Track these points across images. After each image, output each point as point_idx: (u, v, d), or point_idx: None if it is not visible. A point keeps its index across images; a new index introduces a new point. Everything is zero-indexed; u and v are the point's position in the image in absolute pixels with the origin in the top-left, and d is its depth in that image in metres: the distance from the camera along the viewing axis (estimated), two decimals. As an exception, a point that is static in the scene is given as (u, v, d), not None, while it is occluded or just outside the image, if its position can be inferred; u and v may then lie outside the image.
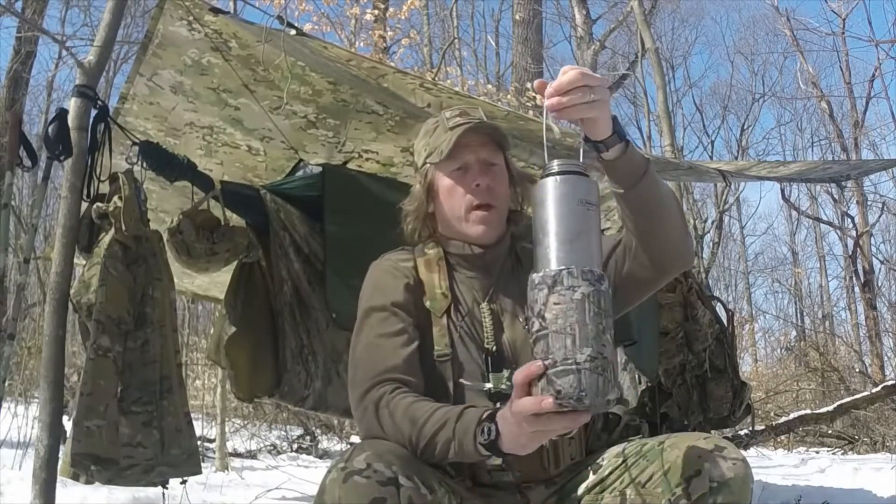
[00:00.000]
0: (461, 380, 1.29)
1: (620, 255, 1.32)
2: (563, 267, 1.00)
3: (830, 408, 6.33)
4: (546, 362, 0.98)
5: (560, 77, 1.09)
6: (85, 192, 2.21)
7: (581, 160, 1.09)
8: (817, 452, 7.24)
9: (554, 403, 0.97)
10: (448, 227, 1.43)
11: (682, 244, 1.30)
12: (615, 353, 1.01)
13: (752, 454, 6.36)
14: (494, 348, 1.32)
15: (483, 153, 1.40)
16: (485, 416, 1.13)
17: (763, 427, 6.20)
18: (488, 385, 1.28)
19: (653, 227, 1.26)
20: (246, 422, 7.78)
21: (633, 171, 1.20)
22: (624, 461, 1.26)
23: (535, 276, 1.02)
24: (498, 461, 1.28)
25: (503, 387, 1.28)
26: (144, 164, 2.39)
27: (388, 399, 1.23)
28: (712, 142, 17.57)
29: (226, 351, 2.67)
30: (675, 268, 1.33)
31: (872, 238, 13.89)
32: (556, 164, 1.05)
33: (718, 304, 4.01)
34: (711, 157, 16.78)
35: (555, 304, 0.98)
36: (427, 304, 1.36)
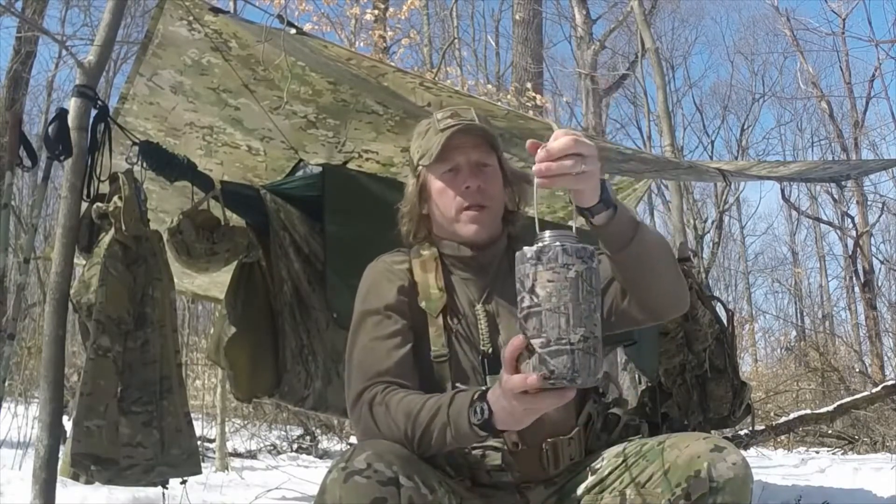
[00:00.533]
0: (458, 384, 1.30)
1: (619, 292, 1.32)
2: (557, 242, 0.99)
3: (830, 408, 6.33)
4: (538, 340, 0.98)
5: (552, 142, 1.07)
6: (85, 192, 2.21)
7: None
8: (817, 452, 7.23)
9: (539, 379, 0.97)
10: (441, 229, 1.43)
11: (674, 297, 1.32)
12: (601, 330, 1.02)
13: (752, 454, 6.36)
14: (490, 350, 1.33)
15: (474, 155, 1.39)
16: (476, 396, 1.14)
17: (763, 427, 6.19)
18: (485, 388, 1.28)
19: (643, 284, 1.27)
20: (246, 422, 7.77)
21: (621, 236, 1.20)
22: (624, 461, 1.26)
23: (528, 250, 1.01)
24: (497, 461, 1.29)
25: None
26: (144, 164, 2.39)
27: (381, 397, 1.24)
28: (712, 142, 17.59)
29: (225, 351, 2.67)
30: (668, 315, 1.35)
31: (872, 238, 13.91)
32: (547, 235, 1.02)
33: (718, 304, 4.00)
34: (711, 157, 16.79)
35: (549, 281, 0.98)
36: (422, 304, 1.36)
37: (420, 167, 1.42)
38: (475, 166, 1.39)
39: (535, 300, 0.98)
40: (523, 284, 1.00)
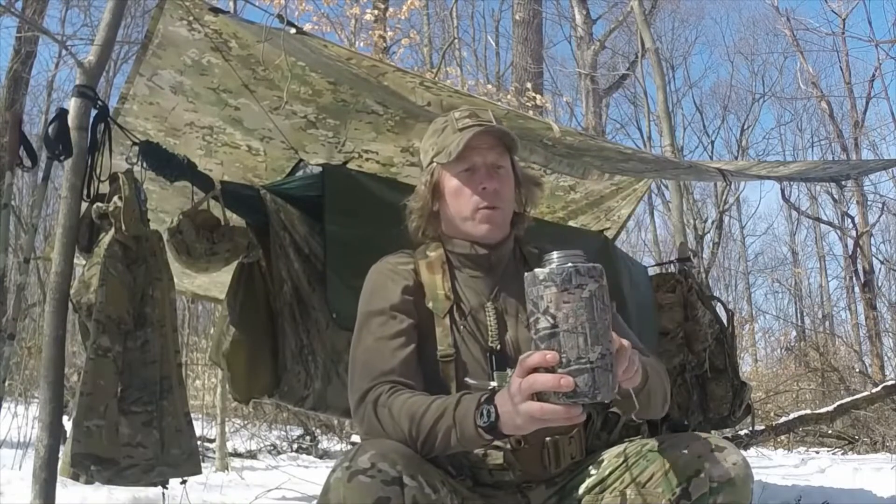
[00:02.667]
0: (466, 379, 1.30)
1: None
2: (570, 264, 1.00)
3: (830, 408, 6.32)
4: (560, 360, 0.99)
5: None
6: (85, 192, 2.21)
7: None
8: (817, 452, 7.23)
9: (561, 400, 0.99)
10: (453, 227, 1.43)
11: (660, 411, 1.34)
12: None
13: (752, 454, 6.35)
14: (498, 347, 1.33)
15: (491, 156, 1.40)
16: (483, 399, 1.14)
17: (763, 427, 6.19)
18: (493, 384, 1.29)
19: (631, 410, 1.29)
20: (246, 422, 7.77)
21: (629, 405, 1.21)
22: (624, 461, 1.26)
23: (540, 272, 1.02)
24: (499, 460, 1.29)
25: (507, 385, 1.28)
26: (144, 164, 2.39)
27: (386, 398, 1.24)
28: (712, 142, 17.58)
29: (224, 353, 2.67)
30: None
31: (872, 238, 13.89)
32: (556, 256, 1.03)
33: (718, 304, 4.00)
34: (711, 157, 16.78)
35: (564, 302, 0.99)
36: (429, 305, 1.36)
37: (434, 164, 1.43)
38: (492, 167, 1.40)
39: (552, 321, 1.00)
40: (537, 306, 1.01)
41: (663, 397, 1.33)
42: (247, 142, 2.96)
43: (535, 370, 1.01)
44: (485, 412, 1.12)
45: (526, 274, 1.04)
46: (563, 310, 0.99)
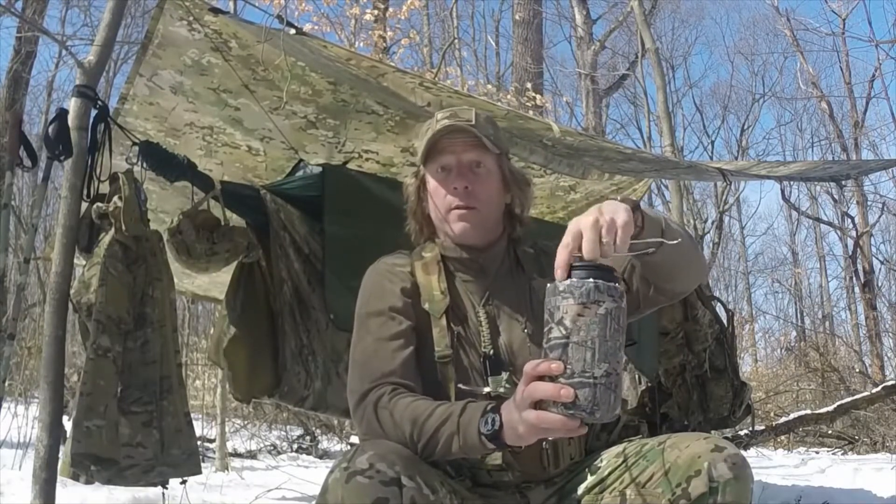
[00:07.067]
0: (460, 384, 1.30)
1: (644, 283, 1.33)
2: (591, 280, 1.01)
3: (830, 408, 6.31)
4: (564, 371, 1.00)
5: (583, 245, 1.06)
6: (85, 192, 2.21)
7: None
8: (817, 453, 7.22)
9: (559, 410, 1.00)
10: (438, 228, 1.44)
11: (696, 277, 1.37)
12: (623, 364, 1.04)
13: (752, 454, 6.35)
14: (492, 351, 1.33)
15: (468, 155, 1.39)
16: (489, 407, 1.14)
17: (763, 427, 6.18)
18: (487, 389, 1.29)
19: (670, 280, 1.32)
20: (246, 422, 7.77)
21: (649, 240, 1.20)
22: (624, 461, 1.26)
23: (560, 284, 1.02)
24: (498, 460, 1.29)
25: (502, 390, 1.29)
26: (144, 164, 2.39)
27: (387, 400, 1.24)
28: (712, 142, 17.57)
29: (225, 352, 2.67)
30: (686, 294, 1.40)
31: (872, 238, 13.90)
32: (580, 270, 1.03)
33: (718, 304, 4.00)
34: (711, 158, 16.76)
35: (578, 315, 1.00)
36: (426, 306, 1.36)
37: (420, 165, 1.44)
38: (466, 167, 1.39)
39: (563, 332, 1.00)
40: (552, 316, 1.02)
41: (690, 243, 1.28)
42: (247, 142, 2.96)
43: (540, 379, 1.02)
44: (489, 420, 1.12)
45: (548, 285, 1.04)
46: (576, 322, 1.00)
